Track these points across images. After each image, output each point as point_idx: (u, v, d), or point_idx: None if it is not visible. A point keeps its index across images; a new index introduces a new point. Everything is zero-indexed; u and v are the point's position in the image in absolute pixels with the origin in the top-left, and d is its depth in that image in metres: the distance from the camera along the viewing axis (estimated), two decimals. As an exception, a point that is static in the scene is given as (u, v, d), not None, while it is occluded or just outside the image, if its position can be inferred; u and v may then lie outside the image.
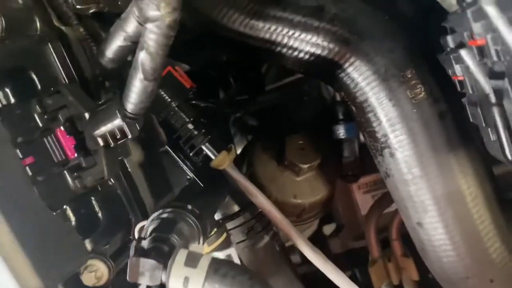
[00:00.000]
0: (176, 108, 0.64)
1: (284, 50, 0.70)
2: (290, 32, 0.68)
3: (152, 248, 0.49)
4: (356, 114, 0.71)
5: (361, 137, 0.97)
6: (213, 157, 0.65)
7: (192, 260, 0.46)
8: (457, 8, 0.45)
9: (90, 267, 0.60)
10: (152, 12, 0.45)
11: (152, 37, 0.45)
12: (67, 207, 0.59)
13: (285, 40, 0.69)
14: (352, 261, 1.11)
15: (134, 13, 0.47)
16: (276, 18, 0.68)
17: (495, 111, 0.47)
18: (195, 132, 0.64)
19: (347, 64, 0.67)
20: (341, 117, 0.94)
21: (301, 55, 0.69)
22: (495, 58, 0.40)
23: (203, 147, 0.64)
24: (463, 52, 0.48)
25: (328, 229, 1.21)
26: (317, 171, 0.92)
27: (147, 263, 0.46)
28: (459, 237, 0.68)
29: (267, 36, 0.69)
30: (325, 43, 0.67)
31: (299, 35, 0.68)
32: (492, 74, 0.42)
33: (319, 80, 1.00)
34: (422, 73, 0.64)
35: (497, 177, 0.73)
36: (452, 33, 0.49)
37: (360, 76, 0.67)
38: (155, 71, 0.47)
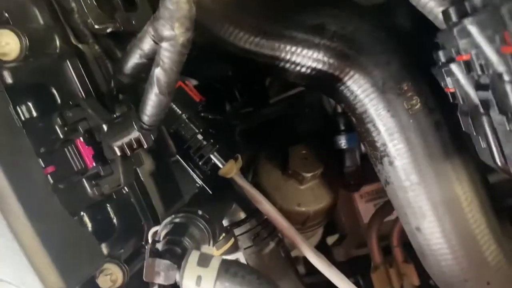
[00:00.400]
0: (187, 120, 0.68)
1: (287, 65, 0.74)
2: (293, 49, 0.72)
3: (166, 250, 0.52)
4: (356, 124, 0.75)
5: (362, 147, 1.01)
6: (221, 165, 0.69)
7: (204, 260, 0.50)
8: (445, 26, 0.49)
9: (106, 270, 0.64)
10: (167, 32, 0.49)
11: (167, 54, 0.50)
12: (84, 213, 0.63)
13: (288, 56, 0.73)
14: (354, 268, 1.14)
15: (150, 32, 0.52)
16: (280, 36, 0.72)
17: (484, 121, 0.51)
18: (204, 142, 0.68)
19: (346, 78, 0.72)
20: (342, 127, 0.97)
21: (304, 69, 0.74)
22: (479, 72, 0.44)
23: (212, 156, 0.68)
24: (453, 66, 0.52)
25: (331, 240, 1.24)
26: (320, 180, 0.95)
27: (162, 264, 0.50)
28: (456, 241, 0.71)
29: (271, 52, 0.73)
30: (325, 58, 0.72)
31: (301, 51, 0.72)
32: (479, 86, 0.46)
33: (320, 93, 1.04)
34: (418, 85, 0.69)
35: (492, 185, 0.76)
36: (443, 48, 0.53)
37: (359, 89, 0.71)
38: (169, 86, 0.51)
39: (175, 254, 0.51)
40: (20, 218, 0.49)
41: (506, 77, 0.41)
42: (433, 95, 0.69)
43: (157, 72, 0.50)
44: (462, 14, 0.44)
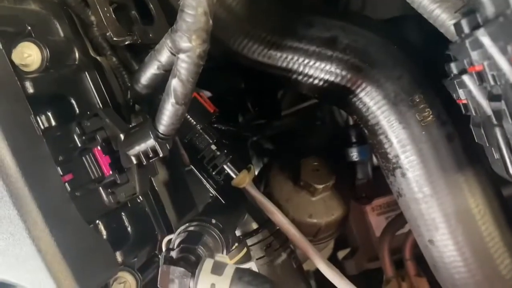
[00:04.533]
0: (201, 131, 0.69)
1: (300, 77, 0.75)
2: (306, 61, 0.74)
3: (180, 257, 0.53)
4: (368, 136, 0.76)
5: (374, 160, 1.02)
6: (234, 176, 0.69)
7: (218, 269, 0.50)
8: (457, 38, 0.50)
9: (120, 278, 0.64)
10: (184, 44, 0.50)
11: (184, 65, 0.51)
12: (100, 221, 0.64)
13: (301, 68, 0.74)
14: (366, 282, 1.13)
15: (168, 44, 0.53)
16: (293, 48, 0.74)
17: (497, 132, 0.51)
18: (218, 153, 0.69)
19: (359, 90, 0.72)
20: (354, 140, 0.98)
21: (316, 81, 0.75)
22: (492, 82, 0.45)
23: (225, 167, 0.69)
24: (465, 78, 0.52)
25: (342, 254, 1.24)
26: (332, 192, 0.95)
27: (177, 271, 0.50)
28: (469, 253, 0.71)
29: (284, 64, 0.75)
30: (338, 71, 0.73)
31: (314, 63, 0.73)
32: (491, 97, 0.47)
33: (332, 105, 1.05)
34: (430, 97, 0.69)
35: (506, 198, 0.76)
36: (455, 60, 0.54)
37: (371, 101, 0.72)
38: (186, 97, 0.53)
39: (190, 262, 0.52)
40: (38, 224, 0.50)
41: (518, 88, 0.42)
42: (445, 107, 0.69)
43: (174, 83, 0.52)
44: (474, 26, 0.44)
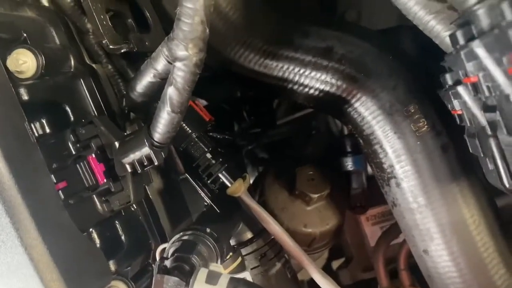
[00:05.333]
0: (196, 139, 0.69)
1: (296, 87, 0.75)
2: (301, 71, 0.74)
3: (175, 267, 0.52)
4: (363, 146, 0.76)
5: (369, 169, 1.02)
6: (229, 184, 0.69)
7: (212, 278, 0.50)
8: (453, 49, 0.50)
9: (113, 287, 0.64)
10: (181, 52, 0.50)
11: (180, 74, 0.51)
12: (93, 230, 0.63)
13: (296, 78, 0.75)
14: (361, 292, 1.13)
15: (164, 52, 0.53)
16: (289, 58, 0.74)
17: (491, 142, 0.52)
18: (213, 161, 0.69)
19: (354, 100, 0.73)
20: (349, 149, 0.98)
21: (312, 91, 0.75)
22: (487, 93, 0.45)
23: (220, 175, 0.69)
24: (460, 89, 0.53)
25: (337, 264, 1.23)
26: (326, 201, 0.95)
27: (171, 280, 0.50)
28: (464, 264, 0.71)
29: (280, 74, 0.75)
30: (333, 81, 0.73)
31: (310, 73, 0.74)
32: (486, 108, 0.47)
33: (327, 114, 1.06)
34: (425, 108, 0.70)
35: (501, 208, 0.76)
36: (450, 71, 0.54)
37: (366, 111, 0.72)
38: (182, 105, 0.53)
39: (184, 271, 0.52)
40: (31, 232, 0.50)
41: (513, 99, 0.42)
42: (439, 118, 0.70)
43: (170, 91, 0.52)
44: (469, 38, 0.45)
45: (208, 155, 0.69)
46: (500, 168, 0.54)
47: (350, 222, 1.12)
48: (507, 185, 0.55)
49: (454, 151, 0.70)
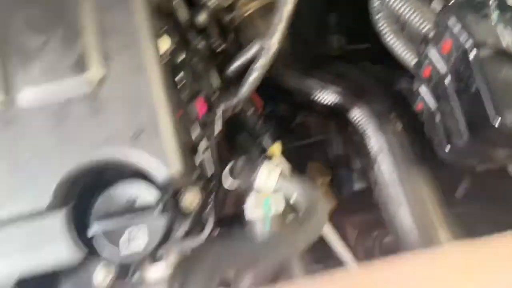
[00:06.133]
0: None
1: (316, 98, 1.15)
2: (323, 87, 1.14)
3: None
4: (357, 141, 1.13)
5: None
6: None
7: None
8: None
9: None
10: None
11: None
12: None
13: (318, 93, 1.14)
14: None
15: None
16: (315, 78, 1.14)
17: (436, 117, 0.90)
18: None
19: (354, 108, 1.11)
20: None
21: (327, 102, 1.14)
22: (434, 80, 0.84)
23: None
24: (421, 89, 0.92)
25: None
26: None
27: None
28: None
29: (308, 90, 1.14)
30: (341, 95, 1.12)
31: (328, 89, 1.13)
32: (434, 90, 0.86)
33: (334, 119, 1.41)
34: (400, 115, 1.08)
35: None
36: (416, 79, 0.94)
37: (362, 116, 1.10)
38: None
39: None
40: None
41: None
42: (409, 122, 1.08)
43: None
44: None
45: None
46: (442, 137, 0.91)
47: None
48: (446, 150, 0.92)
49: (419, 144, 1.07)
